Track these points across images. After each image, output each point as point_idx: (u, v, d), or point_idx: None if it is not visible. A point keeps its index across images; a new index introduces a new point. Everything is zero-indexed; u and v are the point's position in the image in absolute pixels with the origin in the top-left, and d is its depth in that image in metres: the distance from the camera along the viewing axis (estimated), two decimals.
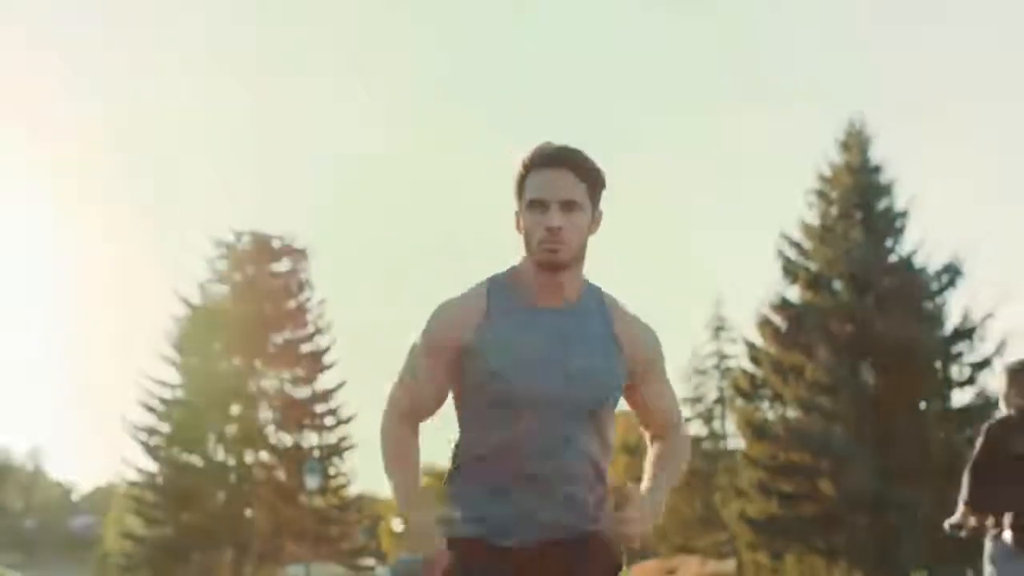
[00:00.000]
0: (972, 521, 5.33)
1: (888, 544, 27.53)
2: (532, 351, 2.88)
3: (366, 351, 75.67)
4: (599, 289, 3.01)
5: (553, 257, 2.86)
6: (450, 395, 3.02)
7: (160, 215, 79.48)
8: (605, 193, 2.98)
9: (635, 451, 37.57)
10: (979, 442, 5.34)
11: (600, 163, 2.97)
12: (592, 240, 2.95)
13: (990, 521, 5.25)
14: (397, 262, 77.14)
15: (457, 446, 3.02)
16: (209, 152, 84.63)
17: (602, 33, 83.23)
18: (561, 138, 2.92)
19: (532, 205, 2.89)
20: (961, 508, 5.38)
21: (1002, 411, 5.43)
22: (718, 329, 42.18)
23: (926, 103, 67.01)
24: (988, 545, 5.26)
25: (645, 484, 2.98)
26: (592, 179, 2.91)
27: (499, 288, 2.97)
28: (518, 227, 2.96)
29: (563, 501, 2.89)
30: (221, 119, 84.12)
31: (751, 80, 75.23)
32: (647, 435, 3.15)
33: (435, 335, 2.94)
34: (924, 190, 40.38)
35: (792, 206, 38.95)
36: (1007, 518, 5.15)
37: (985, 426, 5.37)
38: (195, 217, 78.19)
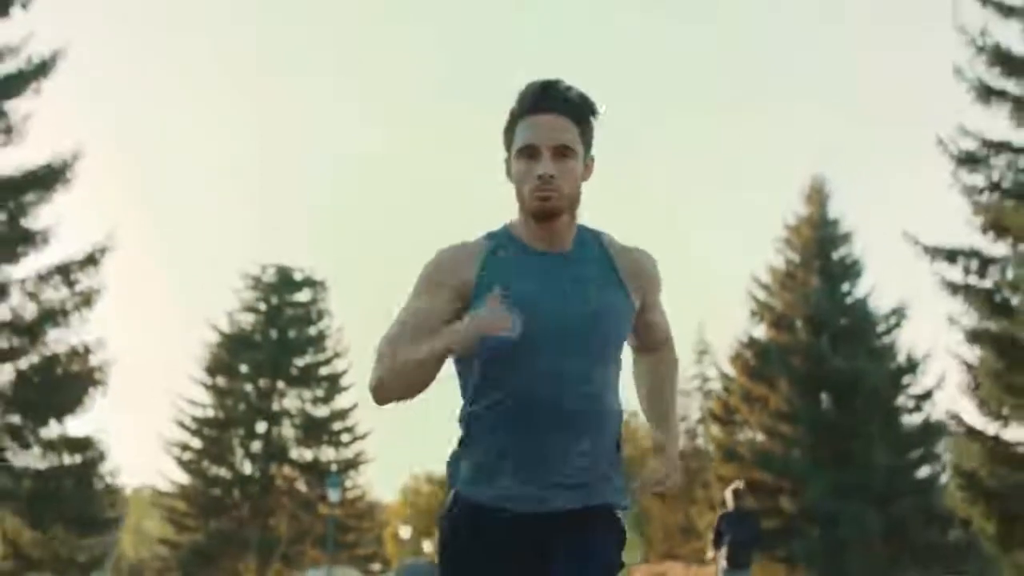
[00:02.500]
0: (712, 552, 11.29)
1: (839, 553, 32.73)
2: (548, 290, 2.88)
3: None
4: (594, 231, 3.03)
5: (546, 205, 2.87)
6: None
7: (190, 251, 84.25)
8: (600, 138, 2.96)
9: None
10: (717, 520, 11.27)
11: (592, 96, 2.95)
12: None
13: (721, 552, 11.23)
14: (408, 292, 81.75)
15: (465, 403, 2.99)
16: (235, 192, 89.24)
17: (601, 34, 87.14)
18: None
19: (522, 152, 2.88)
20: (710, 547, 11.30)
21: (729, 506, 11.82)
22: (701, 353, 47.58)
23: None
24: (721, 563, 11.13)
25: (660, 434, 3.15)
26: (585, 121, 2.92)
27: (497, 236, 2.98)
28: (508, 176, 2.95)
29: (580, 454, 2.88)
30: (246, 166, 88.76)
31: (747, 85, 79.51)
32: (633, 348, 3.22)
33: (435, 275, 2.92)
34: (880, 236, 45.62)
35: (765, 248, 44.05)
36: (723, 550, 11.05)
37: (720, 513, 11.34)
38: (224, 251, 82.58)
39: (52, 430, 20.66)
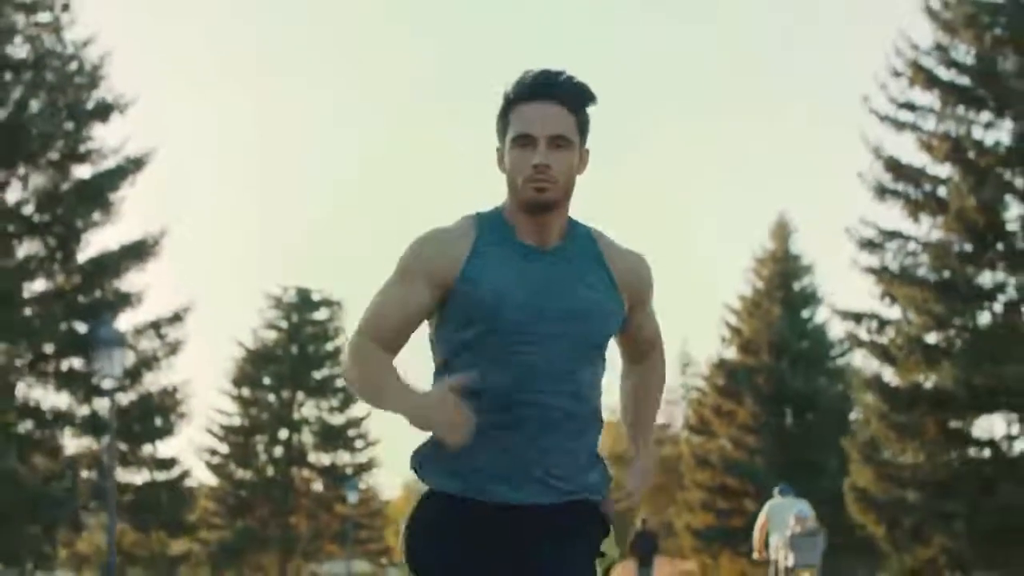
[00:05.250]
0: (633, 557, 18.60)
1: None
2: (533, 285, 2.90)
3: None
4: (586, 226, 3.05)
5: (540, 196, 2.87)
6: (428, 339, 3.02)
7: (220, 273, 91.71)
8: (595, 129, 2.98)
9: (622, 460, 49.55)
10: (633, 536, 18.40)
11: (590, 86, 2.96)
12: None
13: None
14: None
15: None
16: (258, 215, 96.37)
17: (601, 35, 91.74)
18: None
19: (517, 141, 2.89)
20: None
21: (639, 528, 19.88)
22: (685, 365, 54.38)
23: None
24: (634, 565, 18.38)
25: (632, 446, 3.24)
26: (582, 111, 2.94)
27: (488, 224, 2.98)
28: (500, 165, 2.96)
29: (558, 445, 2.92)
30: (267, 188, 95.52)
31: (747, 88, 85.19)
32: (623, 355, 3.25)
33: (416, 264, 2.93)
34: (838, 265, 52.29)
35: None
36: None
37: (635, 532, 18.47)
38: (247, 274, 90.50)
39: (147, 452, 27.51)
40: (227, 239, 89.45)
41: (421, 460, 3.03)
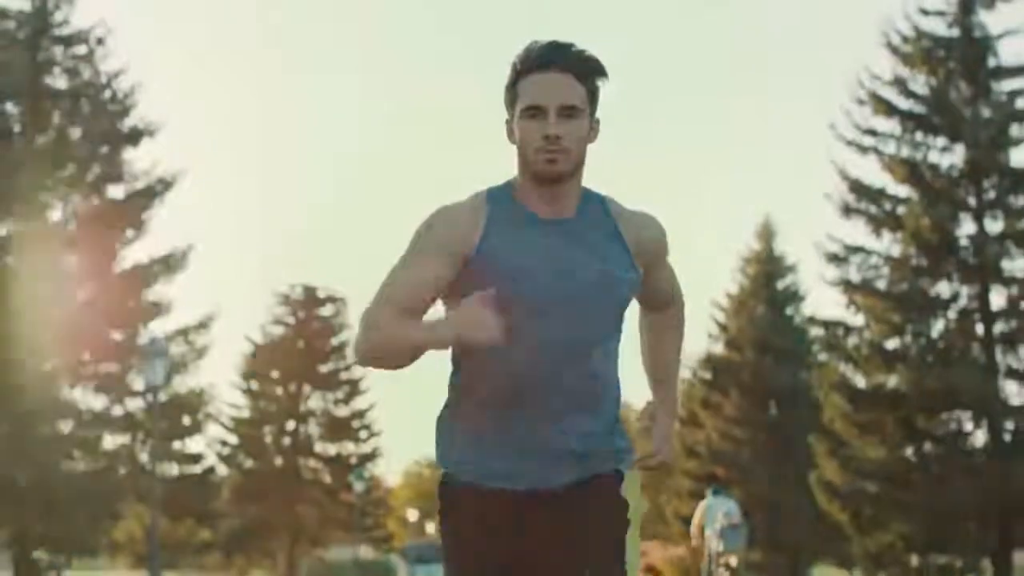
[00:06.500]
0: None
1: (780, 535, 42.56)
2: (546, 258, 2.94)
3: (393, 379, 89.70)
4: (599, 195, 3.07)
5: (552, 168, 2.90)
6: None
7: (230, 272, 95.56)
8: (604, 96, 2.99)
9: None
10: None
11: (600, 58, 2.95)
12: None
13: None
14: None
15: (455, 373, 3.05)
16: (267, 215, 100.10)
17: (602, 24, 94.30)
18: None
19: (527, 112, 2.92)
20: None
21: None
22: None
23: None
24: None
25: (653, 401, 3.27)
26: (592, 80, 2.96)
27: (499, 198, 3.00)
28: (510, 137, 2.99)
29: (578, 418, 2.97)
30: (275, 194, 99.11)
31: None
32: (640, 305, 3.28)
33: (430, 241, 2.95)
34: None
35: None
36: None
37: None
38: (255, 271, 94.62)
39: (176, 448, 30.83)
40: (245, 248, 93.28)
41: (441, 439, 3.09)
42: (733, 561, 18.38)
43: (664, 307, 3.31)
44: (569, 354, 2.96)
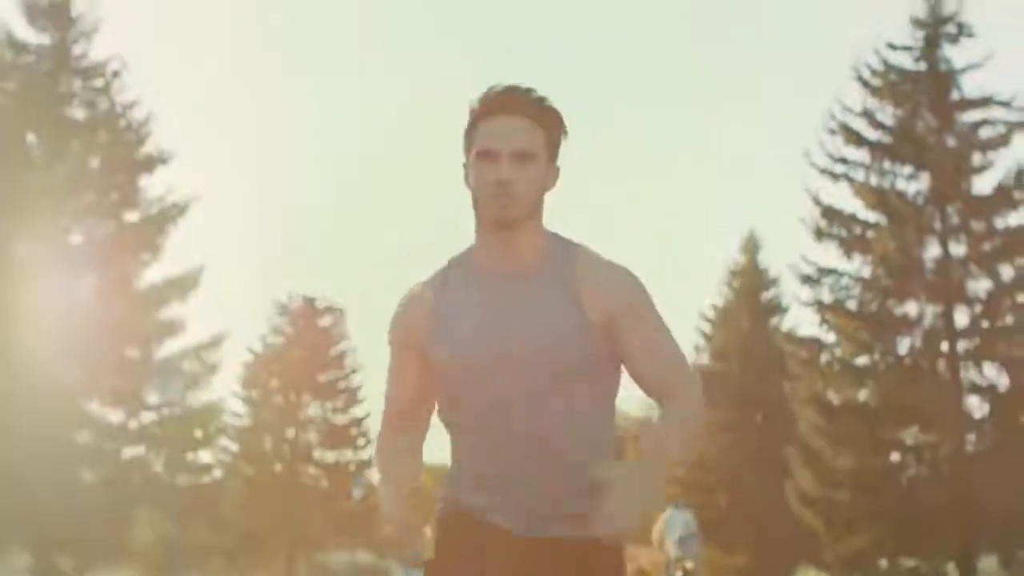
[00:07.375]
0: None
1: (766, 539, 44.68)
2: (489, 321, 2.96)
3: None
4: (568, 241, 3.04)
5: (503, 213, 2.90)
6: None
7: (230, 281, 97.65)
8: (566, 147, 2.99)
9: None
10: None
11: (559, 108, 2.94)
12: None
13: None
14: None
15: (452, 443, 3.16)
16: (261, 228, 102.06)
17: (603, 25, 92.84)
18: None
19: (480, 156, 2.91)
20: None
21: None
22: None
23: None
24: None
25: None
26: (549, 125, 2.95)
27: (456, 265, 3.05)
28: (466, 181, 2.97)
29: (545, 479, 2.97)
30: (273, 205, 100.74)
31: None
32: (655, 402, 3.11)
33: (395, 339, 3.11)
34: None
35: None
36: None
37: None
38: (253, 281, 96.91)
39: (189, 459, 33.14)
40: (253, 265, 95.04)
41: (447, 482, 3.17)
42: (689, 564, 20.92)
43: (663, 391, 3.10)
44: (516, 411, 2.99)
